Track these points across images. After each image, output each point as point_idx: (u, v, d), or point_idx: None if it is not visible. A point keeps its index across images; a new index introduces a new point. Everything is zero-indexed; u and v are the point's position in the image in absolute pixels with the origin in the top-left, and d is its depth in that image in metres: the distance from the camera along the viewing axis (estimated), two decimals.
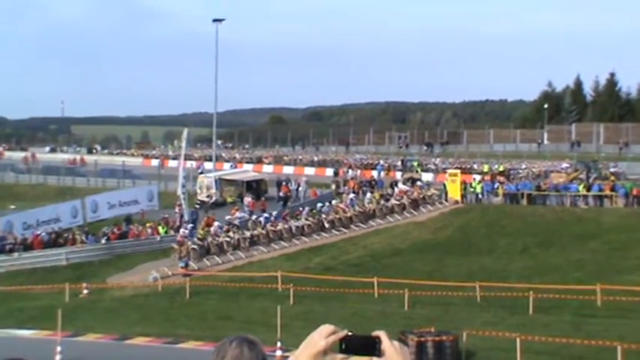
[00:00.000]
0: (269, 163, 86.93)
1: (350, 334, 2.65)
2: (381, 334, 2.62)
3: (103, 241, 48.53)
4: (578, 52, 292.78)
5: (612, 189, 54.35)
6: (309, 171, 79.50)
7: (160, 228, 50.45)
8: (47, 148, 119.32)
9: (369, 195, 56.54)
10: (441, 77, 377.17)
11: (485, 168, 71.96)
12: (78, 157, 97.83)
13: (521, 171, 69.45)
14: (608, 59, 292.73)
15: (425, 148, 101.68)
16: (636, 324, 29.82)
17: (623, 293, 32.45)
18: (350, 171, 74.79)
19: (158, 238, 49.42)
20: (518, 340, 24.68)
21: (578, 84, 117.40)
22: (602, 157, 74.21)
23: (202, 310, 35.35)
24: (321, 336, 2.63)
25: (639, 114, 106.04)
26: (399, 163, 79.32)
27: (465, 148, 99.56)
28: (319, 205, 52.72)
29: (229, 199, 60.33)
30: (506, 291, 34.05)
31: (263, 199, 57.81)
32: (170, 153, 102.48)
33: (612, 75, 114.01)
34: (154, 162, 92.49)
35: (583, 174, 61.49)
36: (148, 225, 51.13)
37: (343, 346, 2.63)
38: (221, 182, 62.84)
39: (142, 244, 48.81)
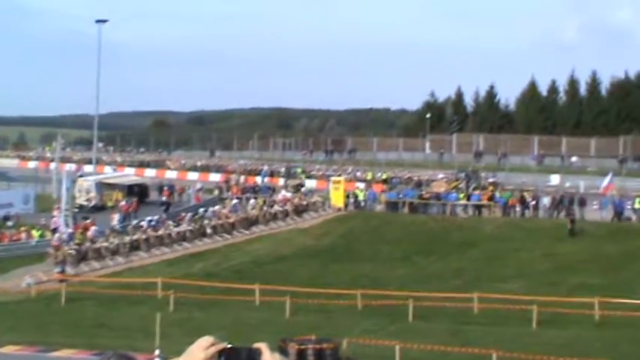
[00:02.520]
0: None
1: (230, 346, 2.47)
2: (262, 346, 2.45)
3: None
4: (460, 64, 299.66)
5: (491, 199, 55.67)
6: (193, 176, 78.82)
7: (34, 232, 49.01)
8: None
9: (252, 201, 56.43)
10: (326, 84, 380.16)
11: (369, 176, 72.77)
12: None
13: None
14: (488, 71, 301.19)
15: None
16: (511, 331, 30.55)
17: (499, 301, 33.18)
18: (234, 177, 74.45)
19: (33, 242, 48.00)
20: (397, 347, 24.89)
21: (460, 95, 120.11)
22: (482, 167, 76.01)
23: (78, 317, 34.44)
24: (200, 348, 2.48)
25: (517, 125, 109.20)
26: (283, 169, 79.51)
27: (349, 156, 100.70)
28: (202, 210, 52.28)
29: (109, 203, 59.15)
30: (386, 299, 34.36)
31: (134, 201, 56.57)
32: (48, 155, 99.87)
33: (491, 87, 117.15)
34: (31, 164, 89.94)
35: (463, 183, 62.78)
36: (22, 229, 49.70)
37: (223, 359, 2.46)
38: (101, 186, 61.57)
39: (15, 248, 47.32)
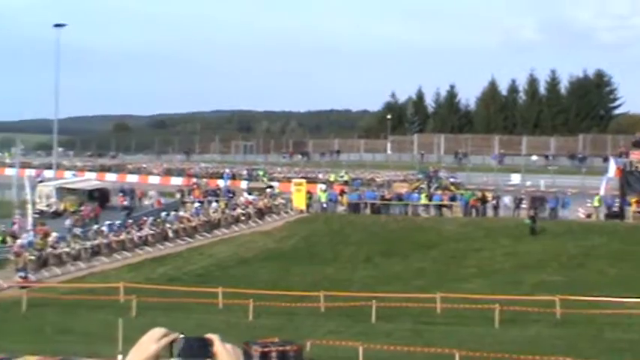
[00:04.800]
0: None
1: (182, 336, 2.49)
2: (213, 337, 2.48)
3: None
4: (420, 65, 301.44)
5: (452, 199, 55.97)
6: (154, 180, 78.33)
7: None
8: None
9: (214, 204, 56.23)
10: (287, 86, 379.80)
11: (332, 177, 72.78)
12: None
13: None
14: (448, 72, 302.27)
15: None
16: (473, 330, 30.74)
17: (461, 301, 33.35)
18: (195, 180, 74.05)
19: None
20: (360, 348, 24.95)
21: (420, 95, 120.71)
22: (443, 168, 76.32)
23: (40, 323, 34.04)
24: (152, 340, 2.47)
25: (477, 125, 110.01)
26: (245, 172, 79.31)
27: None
28: (164, 214, 52.00)
29: (70, 209, 58.51)
30: (349, 300, 34.37)
31: (95, 206, 56.26)
32: (7, 161, 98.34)
33: (452, 87, 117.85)
34: None
35: (424, 184, 63.04)
36: None
37: (174, 350, 2.47)
38: (61, 191, 60.97)
39: None
